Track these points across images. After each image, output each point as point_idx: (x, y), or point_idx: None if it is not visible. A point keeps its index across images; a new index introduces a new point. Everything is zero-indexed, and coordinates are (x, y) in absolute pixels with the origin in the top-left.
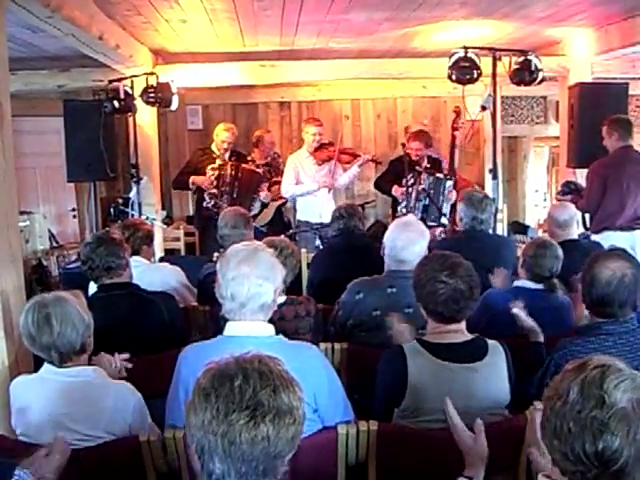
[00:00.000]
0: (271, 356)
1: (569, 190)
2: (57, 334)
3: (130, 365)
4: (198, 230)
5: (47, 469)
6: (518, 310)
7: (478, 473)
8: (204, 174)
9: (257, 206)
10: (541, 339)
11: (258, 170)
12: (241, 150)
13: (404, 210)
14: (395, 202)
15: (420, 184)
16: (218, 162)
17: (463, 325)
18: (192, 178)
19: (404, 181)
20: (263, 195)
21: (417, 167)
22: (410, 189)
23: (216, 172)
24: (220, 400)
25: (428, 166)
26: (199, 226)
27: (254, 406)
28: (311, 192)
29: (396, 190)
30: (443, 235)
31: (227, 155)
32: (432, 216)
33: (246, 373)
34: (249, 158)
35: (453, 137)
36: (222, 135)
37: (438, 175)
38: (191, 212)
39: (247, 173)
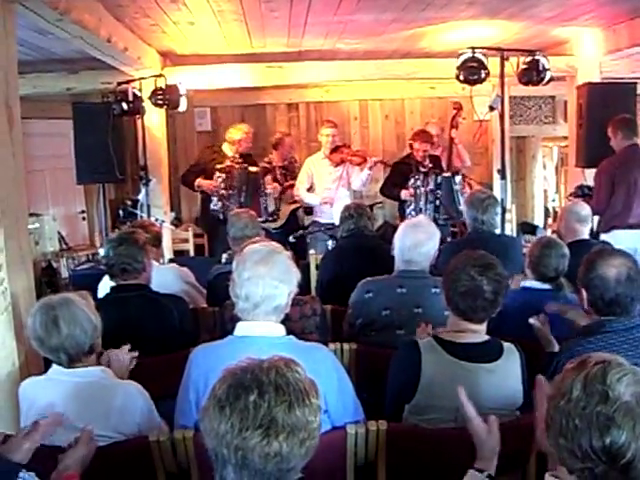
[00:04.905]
0: (289, 362)
1: (582, 193)
2: (65, 336)
3: (136, 355)
4: (205, 231)
5: (71, 460)
6: (534, 320)
7: (490, 466)
8: (212, 173)
9: (271, 203)
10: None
11: (257, 169)
12: (251, 151)
13: (413, 213)
14: (402, 204)
15: (428, 185)
16: (226, 163)
17: (483, 328)
18: (197, 181)
19: (410, 182)
20: (270, 188)
21: (421, 168)
22: (418, 191)
23: (223, 174)
24: (235, 415)
25: (431, 165)
26: (206, 227)
27: (268, 424)
28: (310, 205)
29: (406, 194)
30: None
31: (237, 155)
32: (443, 216)
33: (262, 387)
34: (266, 159)
35: (451, 136)
36: (237, 135)
37: (445, 174)
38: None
39: (255, 175)
